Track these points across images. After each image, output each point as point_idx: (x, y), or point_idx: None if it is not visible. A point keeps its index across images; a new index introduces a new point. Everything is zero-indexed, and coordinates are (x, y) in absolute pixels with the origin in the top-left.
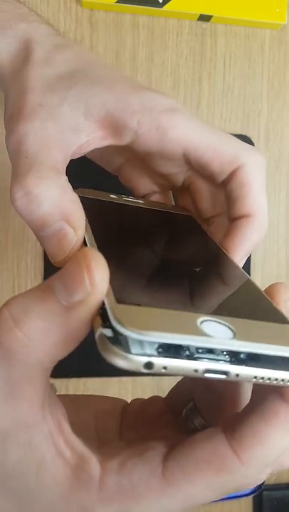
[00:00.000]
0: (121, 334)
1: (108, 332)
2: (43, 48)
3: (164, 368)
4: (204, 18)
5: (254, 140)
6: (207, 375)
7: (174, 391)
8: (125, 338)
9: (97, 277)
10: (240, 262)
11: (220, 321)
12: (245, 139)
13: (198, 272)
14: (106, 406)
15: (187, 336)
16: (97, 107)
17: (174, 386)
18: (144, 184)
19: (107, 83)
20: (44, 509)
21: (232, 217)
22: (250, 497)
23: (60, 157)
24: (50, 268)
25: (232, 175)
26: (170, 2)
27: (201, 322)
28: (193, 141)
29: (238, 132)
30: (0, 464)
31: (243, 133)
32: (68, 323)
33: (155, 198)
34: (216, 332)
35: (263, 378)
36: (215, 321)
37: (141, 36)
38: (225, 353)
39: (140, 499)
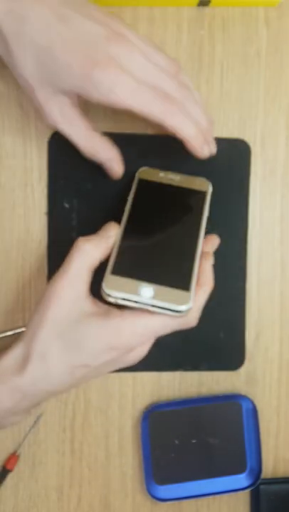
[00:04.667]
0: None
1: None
2: None
3: (121, 300)
4: (203, 2)
5: (250, 144)
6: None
7: None
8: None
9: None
10: None
11: (151, 285)
12: (242, 143)
13: (169, 248)
14: None
15: (128, 294)
16: None
17: None
18: None
19: None
20: (92, 337)
21: None
22: (248, 491)
23: None
24: (54, 269)
25: None
26: None
27: (141, 287)
28: None
29: (235, 136)
30: (67, 323)
31: (240, 137)
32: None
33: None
34: (144, 292)
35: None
36: (147, 286)
37: None
38: (144, 302)
39: None
